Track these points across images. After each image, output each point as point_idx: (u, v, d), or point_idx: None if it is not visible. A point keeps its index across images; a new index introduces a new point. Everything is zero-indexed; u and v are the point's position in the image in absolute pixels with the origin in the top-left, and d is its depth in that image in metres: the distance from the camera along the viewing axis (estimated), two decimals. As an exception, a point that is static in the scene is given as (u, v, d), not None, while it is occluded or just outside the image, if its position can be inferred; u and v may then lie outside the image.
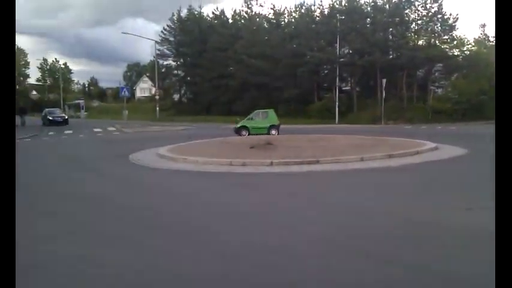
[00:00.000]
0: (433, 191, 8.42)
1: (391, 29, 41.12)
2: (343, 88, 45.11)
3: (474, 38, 43.76)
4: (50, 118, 38.90)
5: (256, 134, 22.31)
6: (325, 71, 44.07)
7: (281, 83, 42.19)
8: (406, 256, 4.59)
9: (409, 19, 40.48)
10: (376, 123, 34.27)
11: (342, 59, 40.79)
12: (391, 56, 41.22)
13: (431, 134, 20.78)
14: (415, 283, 3.98)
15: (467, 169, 11.18)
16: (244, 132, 23.54)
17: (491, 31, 44.02)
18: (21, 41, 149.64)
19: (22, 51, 68.27)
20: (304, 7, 46.17)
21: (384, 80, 34.41)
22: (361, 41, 38.45)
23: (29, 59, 75.27)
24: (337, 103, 38.40)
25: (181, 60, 57.40)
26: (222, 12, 55.07)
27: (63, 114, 43.08)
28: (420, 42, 39.68)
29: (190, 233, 5.78)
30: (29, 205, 7.79)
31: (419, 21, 40.46)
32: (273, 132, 23.39)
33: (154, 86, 54.57)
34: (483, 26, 50.19)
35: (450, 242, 5.14)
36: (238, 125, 24.33)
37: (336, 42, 39.46)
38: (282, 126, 24.13)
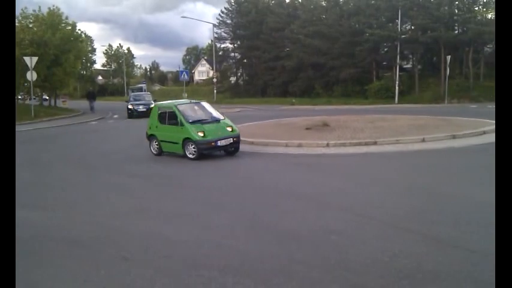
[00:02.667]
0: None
1: (457, 2, 38.57)
2: (404, 66, 43.24)
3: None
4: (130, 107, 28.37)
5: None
6: (385, 49, 42.31)
7: (338, 63, 41.22)
8: (479, 242, 4.47)
9: (477, -9, 37.77)
10: (438, 103, 32.71)
11: (403, 36, 38.95)
12: (456, 32, 38.79)
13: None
14: (474, 267, 3.93)
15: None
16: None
17: None
18: (88, 28, 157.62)
19: (89, 37, 71.73)
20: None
21: (449, 57, 32.55)
22: (424, 16, 36.45)
23: (95, 45, 79.15)
24: (397, 82, 36.98)
25: (238, 43, 57.70)
26: (279, -8, 54.47)
27: (149, 101, 28.69)
28: (489, 16, 36.92)
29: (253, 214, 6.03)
30: (101, 185, 8.42)
31: (488, -7, 37.64)
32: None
33: (212, 69, 55.53)
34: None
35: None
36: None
37: (397, 18, 37.74)
38: (340, 107, 22.68)
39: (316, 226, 5.23)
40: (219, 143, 10.68)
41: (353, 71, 40.57)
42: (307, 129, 14.67)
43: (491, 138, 11.92)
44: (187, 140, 10.75)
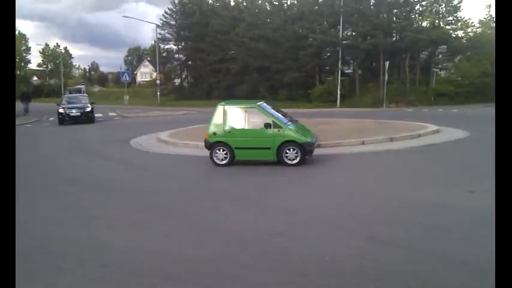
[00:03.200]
0: (435, 173, 8.39)
1: (395, 11, 40.47)
2: (346, 71, 44.66)
3: (479, 19, 43.13)
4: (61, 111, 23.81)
5: None
6: (328, 54, 43.53)
7: (283, 66, 41.79)
8: (419, 241, 4.56)
9: (413, 0, 39.84)
10: (377, 107, 34.05)
11: (344, 42, 40.26)
12: (394, 38, 40.67)
13: (433, 117, 20.64)
14: (415, 265, 3.98)
15: (468, 152, 11.13)
16: None
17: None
18: (23, 25, 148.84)
19: (23, 36, 67.65)
20: (307, -12, 45.44)
21: (387, 63, 34.03)
22: (365, 23, 37.90)
23: (30, 44, 74.82)
24: (339, 86, 38.09)
25: (183, 44, 56.88)
26: (224, -6, 54.37)
27: (85, 104, 24.51)
28: (424, 24, 39.04)
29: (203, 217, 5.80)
30: (34, 189, 7.82)
31: (423, 2, 39.81)
32: None
33: (155, 71, 54.28)
34: (488, 6, 49.22)
35: (453, 224, 5.11)
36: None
37: (339, 24, 38.94)
38: (284, 110, 22.90)
39: (259, 229, 5.15)
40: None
41: (297, 75, 41.28)
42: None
43: (427, 140, 12.51)
44: (287, 144, 9.42)
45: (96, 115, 24.95)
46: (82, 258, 4.38)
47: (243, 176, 8.89)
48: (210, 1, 55.27)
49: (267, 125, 9.37)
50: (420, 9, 40.07)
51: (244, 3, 50.95)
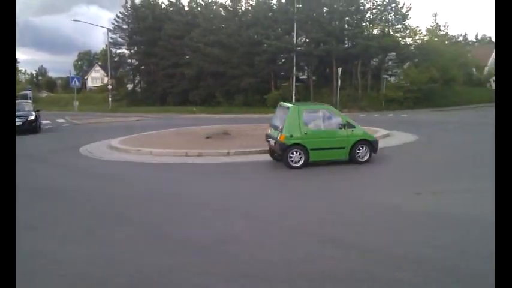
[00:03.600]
0: (384, 176, 8.57)
1: (347, 18, 41.61)
2: (300, 77, 45.36)
3: (426, 27, 45.16)
4: None
5: None
6: (282, 60, 44.07)
7: (238, 72, 41.80)
8: (362, 240, 4.60)
9: (364, 8, 41.14)
10: (332, 112, 34.70)
11: (298, 48, 40.91)
12: (346, 45, 41.80)
13: (383, 122, 21.27)
14: (369, 265, 3.96)
15: (417, 155, 11.50)
16: None
17: (442, 20, 45.39)
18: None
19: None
20: (261, -5, 45.82)
21: (339, 69, 34.84)
22: (318, 30, 38.72)
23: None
24: (294, 92, 38.59)
25: (135, 49, 55.54)
26: (178, -1, 53.75)
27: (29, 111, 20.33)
28: (375, 32, 40.45)
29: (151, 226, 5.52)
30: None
31: (374, 10, 41.25)
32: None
33: (107, 76, 52.68)
34: (435, 15, 51.70)
35: (402, 225, 5.18)
36: None
37: (293, 31, 39.51)
38: (240, 115, 23.12)
39: (216, 234, 5.00)
40: None
41: (253, 80, 41.43)
42: (207, 138, 14.40)
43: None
44: (360, 143, 9.85)
45: (43, 121, 23.33)
46: (32, 269, 4.06)
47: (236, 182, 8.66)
48: (164, 6, 54.47)
49: (342, 125, 9.81)
50: (371, 17, 41.49)
51: (199, 9, 50.60)
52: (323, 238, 4.77)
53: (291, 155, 9.64)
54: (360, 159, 9.88)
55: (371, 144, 10.01)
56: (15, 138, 13.56)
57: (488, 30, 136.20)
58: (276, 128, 10.28)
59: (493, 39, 64.03)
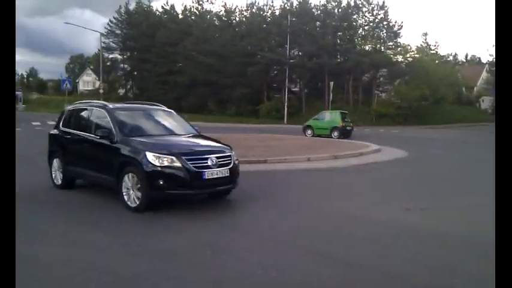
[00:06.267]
0: (374, 191, 8.55)
1: (339, 33, 42.05)
2: (293, 89, 45.61)
3: (416, 46, 45.85)
4: None
5: (319, 135, 22.44)
6: (275, 72, 44.31)
7: (231, 82, 41.91)
8: (350, 255, 4.55)
9: (356, 24, 41.64)
10: (323, 125, 34.89)
11: (291, 61, 41.20)
12: (339, 60, 42.20)
13: (374, 137, 21.39)
14: (356, 281, 3.92)
15: (407, 171, 11.52)
16: (309, 132, 23.49)
17: (432, 40, 46.04)
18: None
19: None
20: (255, 7, 46.24)
21: (332, 83, 35.10)
22: (311, 44, 39.05)
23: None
24: (286, 103, 38.74)
25: (128, 54, 55.56)
26: (172, 7, 53.90)
27: None
28: (367, 48, 40.92)
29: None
30: None
31: (366, 27, 41.77)
32: (335, 134, 22.32)
33: (99, 80, 52.45)
34: (425, 34, 52.57)
35: (390, 241, 5.15)
36: (305, 124, 24.54)
37: (287, 44, 39.80)
38: (232, 125, 23.43)
39: (193, 241, 4.91)
40: None
41: (245, 90, 41.56)
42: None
43: (369, 159, 12.86)
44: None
45: (33, 123, 23.96)
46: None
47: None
48: (158, 13, 54.63)
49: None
50: (363, 33, 41.94)
51: (193, 18, 50.80)
52: (310, 251, 4.72)
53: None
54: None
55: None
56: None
57: (478, 50, 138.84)
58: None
59: (483, 60, 65.27)
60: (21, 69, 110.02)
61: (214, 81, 42.94)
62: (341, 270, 4.20)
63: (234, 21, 47.14)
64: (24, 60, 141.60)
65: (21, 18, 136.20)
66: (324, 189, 8.60)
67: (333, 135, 22.23)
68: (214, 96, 43.95)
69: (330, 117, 23.51)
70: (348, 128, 22.99)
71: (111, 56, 55.63)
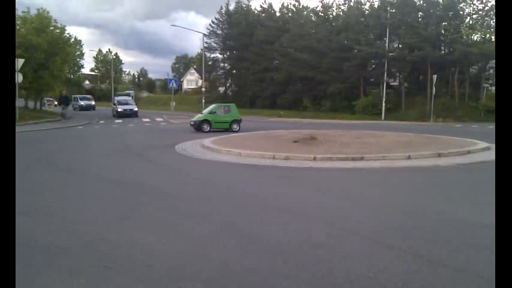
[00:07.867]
0: (484, 193, 8.11)
1: (444, 23, 39.38)
2: (391, 84, 43.91)
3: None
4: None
5: (218, 129, 22.11)
6: (373, 66, 43.01)
7: (327, 77, 41.66)
8: (467, 262, 4.47)
9: (463, 13, 38.62)
10: (424, 121, 33.20)
11: (390, 54, 39.64)
12: (443, 52, 39.60)
13: (483, 134, 19.88)
14: (462, 286, 3.91)
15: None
16: (205, 126, 22.23)
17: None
18: (79, 32, 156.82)
19: (79, 42, 71.09)
20: (353, 0, 45.19)
21: (435, 76, 33.15)
22: (412, 35, 37.19)
23: (85, 49, 78.63)
24: (384, 99, 37.47)
25: (228, 53, 58.04)
26: (270, 5, 55.15)
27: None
28: (475, 38, 37.78)
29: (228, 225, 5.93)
30: (81, 190, 8.27)
31: (474, 16, 38.53)
32: (235, 126, 22.72)
33: (201, 78, 55.59)
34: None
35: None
36: (199, 119, 22.71)
37: (385, 36, 38.40)
38: (327, 121, 23.50)
39: (299, 239, 5.16)
40: None
41: (341, 86, 41.03)
42: (294, 142, 14.68)
43: (476, 157, 12.09)
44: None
45: (144, 120, 31.62)
46: (129, 258, 4.57)
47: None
48: (257, 12, 56.13)
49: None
50: (471, 22, 38.78)
51: (290, 14, 51.34)
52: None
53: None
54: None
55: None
56: (121, 132, 15.01)
57: None
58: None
59: None
60: (133, 70, 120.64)
61: (310, 77, 43.04)
62: (447, 275, 4.19)
63: (331, 16, 46.67)
64: (136, 61, 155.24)
65: (135, 23, 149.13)
66: (425, 190, 8.38)
67: (232, 127, 22.62)
68: (309, 92, 44.06)
69: (229, 110, 23.41)
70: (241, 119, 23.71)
71: (212, 55, 58.60)
